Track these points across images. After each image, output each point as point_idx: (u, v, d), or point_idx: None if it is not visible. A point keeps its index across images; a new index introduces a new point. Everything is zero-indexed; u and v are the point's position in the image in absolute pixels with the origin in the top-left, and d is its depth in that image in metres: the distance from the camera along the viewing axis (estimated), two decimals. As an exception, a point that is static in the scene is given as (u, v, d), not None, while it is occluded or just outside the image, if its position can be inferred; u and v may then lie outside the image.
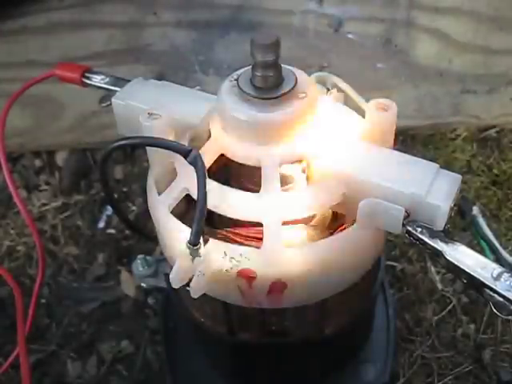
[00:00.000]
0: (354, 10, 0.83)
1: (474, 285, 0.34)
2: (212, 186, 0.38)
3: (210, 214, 0.38)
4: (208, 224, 0.42)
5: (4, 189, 0.82)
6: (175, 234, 0.40)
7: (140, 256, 0.56)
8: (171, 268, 0.36)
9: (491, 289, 0.33)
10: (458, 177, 0.38)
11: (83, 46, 0.81)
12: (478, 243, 0.69)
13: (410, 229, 0.37)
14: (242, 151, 0.40)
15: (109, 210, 0.80)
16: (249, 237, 0.41)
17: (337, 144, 0.40)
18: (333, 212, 0.43)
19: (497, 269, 0.34)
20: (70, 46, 0.81)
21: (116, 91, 0.47)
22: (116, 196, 0.81)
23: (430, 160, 0.39)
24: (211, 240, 0.39)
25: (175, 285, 0.36)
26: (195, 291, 0.37)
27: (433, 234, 0.36)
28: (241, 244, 0.40)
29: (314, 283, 0.40)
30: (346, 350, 0.57)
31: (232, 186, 0.40)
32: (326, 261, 0.39)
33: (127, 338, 0.67)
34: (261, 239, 0.38)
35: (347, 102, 0.46)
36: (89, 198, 0.82)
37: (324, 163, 0.39)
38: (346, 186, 0.39)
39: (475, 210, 0.72)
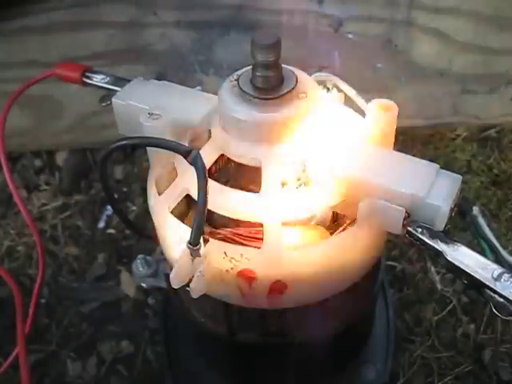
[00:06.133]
0: (354, 9, 0.83)
1: (475, 285, 0.34)
2: (212, 186, 0.38)
3: (210, 214, 0.38)
4: (208, 224, 0.42)
5: (4, 189, 0.82)
6: (175, 234, 0.40)
7: (140, 256, 0.56)
8: (171, 268, 0.36)
9: (491, 289, 0.33)
10: (459, 177, 0.38)
11: (83, 45, 0.81)
12: (478, 243, 0.69)
13: (410, 229, 0.37)
14: (242, 151, 0.40)
15: (109, 210, 0.80)
16: (249, 237, 0.41)
17: (337, 144, 0.40)
18: (333, 212, 0.43)
19: (497, 269, 0.34)
20: (70, 46, 0.81)
21: (116, 91, 0.47)
22: (116, 196, 0.81)
23: (430, 160, 0.39)
24: (211, 240, 0.39)
25: (175, 285, 0.36)
26: (195, 291, 0.37)
27: (433, 235, 0.36)
28: (241, 244, 0.40)
29: (314, 283, 0.40)
30: (346, 350, 0.57)
31: (232, 186, 0.40)
32: (326, 261, 0.39)
33: (127, 337, 0.67)
34: (261, 239, 0.38)
35: (347, 102, 0.46)
36: (89, 198, 0.82)
37: (324, 163, 0.39)
38: (346, 186, 0.39)
39: (475, 210, 0.72)
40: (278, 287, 0.39)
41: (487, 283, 0.34)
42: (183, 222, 0.40)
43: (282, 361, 0.51)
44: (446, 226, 0.37)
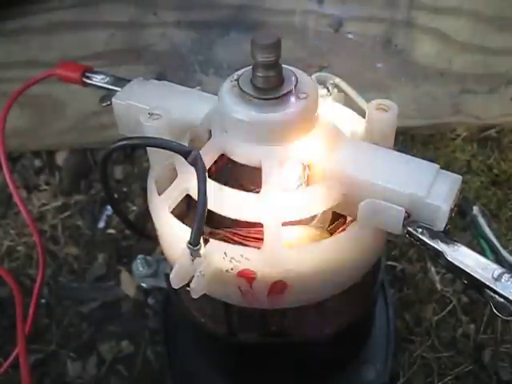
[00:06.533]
0: (354, 9, 0.83)
1: (475, 285, 0.34)
2: (212, 186, 0.38)
3: (210, 214, 0.38)
4: (208, 224, 0.42)
5: (4, 189, 0.82)
6: (175, 235, 0.40)
7: (140, 256, 0.56)
8: (171, 268, 0.36)
9: (492, 289, 0.33)
10: (459, 177, 0.38)
11: (83, 45, 0.81)
12: (478, 243, 0.69)
13: (410, 229, 0.37)
14: (242, 151, 0.40)
15: (109, 210, 0.80)
16: (249, 237, 0.41)
17: (337, 144, 0.40)
18: (333, 212, 0.43)
19: (497, 269, 0.34)
20: (71, 46, 0.81)
21: (116, 91, 0.47)
22: (116, 196, 0.81)
23: (430, 160, 0.39)
24: (211, 240, 0.39)
25: (175, 285, 0.36)
26: (195, 291, 0.37)
27: (433, 235, 0.36)
28: (241, 244, 0.40)
29: (314, 283, 0.41)
30: (346, 350, 0.57)
31: (232, 187, 0.40)
32: (326, 261, 0.39)
33: (127, 337, 0.67)
34: (261, 239, 0.38)
35: (347, 102, 0.46)
36: (89, 198, 0.82)
37: (324, 163, 0.39)
38: (346, 186, 0.39)
39: (475, 210, 0.72)
40: (278, 287, 0.39)
41: (487, 283, 0.34)
42: (183, 222, 0.40)
43: (282, 361, 0.51)
44: (446, 226, 0.37)
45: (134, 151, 0.87)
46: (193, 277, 0.37)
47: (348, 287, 0.43)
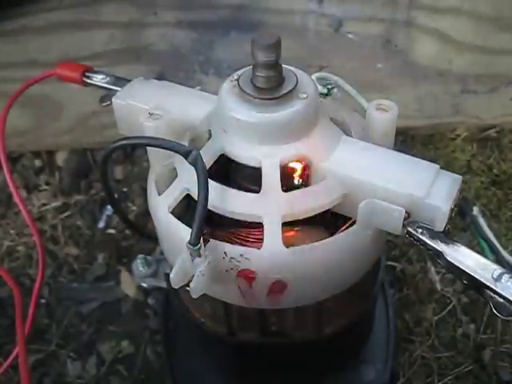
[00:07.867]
0: (354, 9, 0.83)
1: (475, 285, 0.34)
2: (212, 186, 0.38)
3: (210, 214, 0.38)
4: (208, 224, 0.42)
5: (4, 189, 0.82)
6: (175, 234, 0.40)
7: (140, 256, 0.56)
8: (171, 268, 0.36)
9: (492, 290, 0.33)
10: (459, 177, 0.38)
11: (83, 45, 0.81)
12: (478, 243, 0.69)
13: (410, 229, 0.37)
14: (242, 151, 0.40)
15: (109, 210, 0.80)
16: (249, 237, 0.41)
17: (337, 144, 0.40)
18: (333, 212, 0.43)
19: (497, 270, 0.34)
20: (71, 46, 0.81)
21: (116, 91, 0.47)
22: (116, 196, 0.81)
23: (430, 160, 0.39)
24: (211, 240, 0.39)
25: (175, 285, 0.36)
26: (195, 291, 0.37)
27: (433, 235, 0.36)
28: (241, 244, 0.40)
29: (314, 283, 0.41)
30: (346, 350, 0.57)
31: (232, 187, 0.40)
32: (326, 261, 0.39)
33: (127, 337, 0.67)
34: (261, 240, 0.38)
35: (347, 102, 0.46)
36: (89, 198, 0.82)
37: (324, 163, 0.39)
38: (346, 186, 0.39)
39: (475, 210, 0.72)
40: (277, 287, 0.39)
41: (487, 284, 0.34)
42: (183, 222, 0.40)
43: (282, 361, 0.51)
44: (445, 226, 0.37)
45: (134, 151, 0.87)
46: (193, 277, 0.37)
47: (348, 287, 0.43)
